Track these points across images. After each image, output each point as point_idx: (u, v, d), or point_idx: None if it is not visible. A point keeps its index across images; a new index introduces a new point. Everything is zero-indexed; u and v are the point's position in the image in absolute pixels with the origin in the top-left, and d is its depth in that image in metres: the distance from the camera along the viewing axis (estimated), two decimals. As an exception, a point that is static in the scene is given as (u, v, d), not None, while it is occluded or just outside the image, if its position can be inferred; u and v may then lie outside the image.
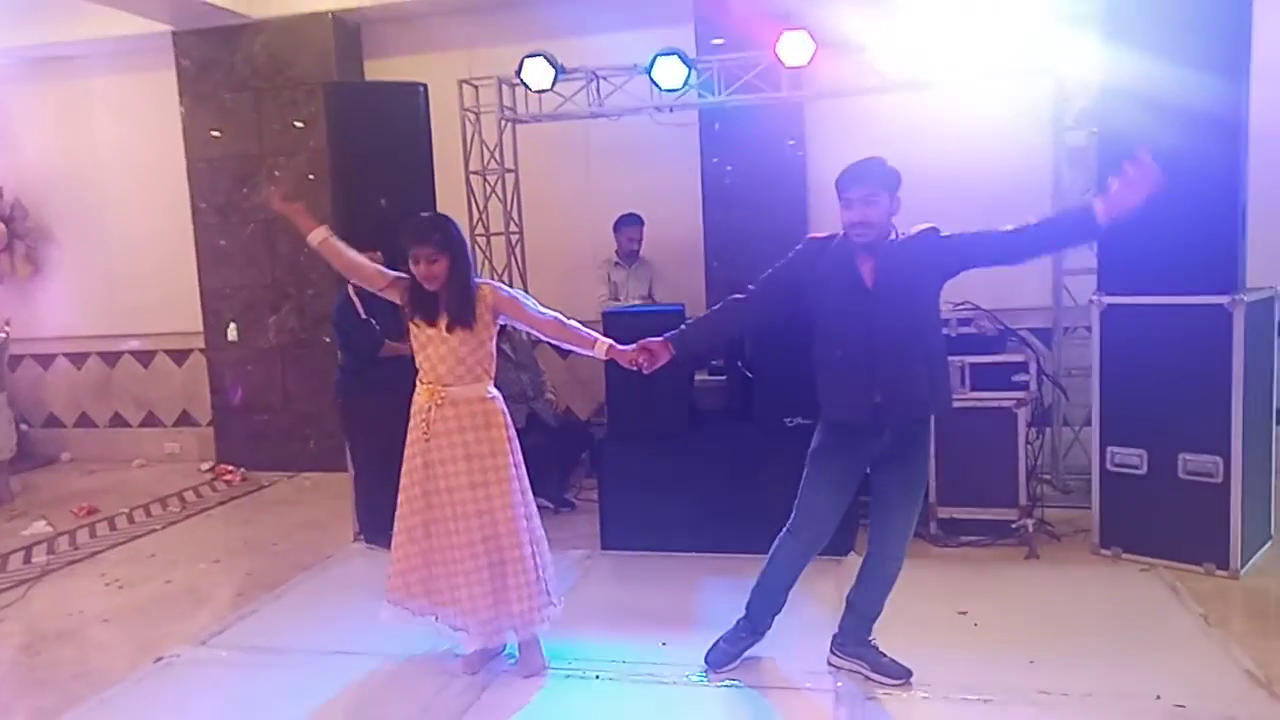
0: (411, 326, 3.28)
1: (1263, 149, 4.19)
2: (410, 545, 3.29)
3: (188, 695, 3.37)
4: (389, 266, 3.47)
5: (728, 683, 3.25)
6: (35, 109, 7.51)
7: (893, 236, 3.06)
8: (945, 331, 4.59)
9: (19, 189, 7.49)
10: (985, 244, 3.03)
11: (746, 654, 3.34)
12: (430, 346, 3.24)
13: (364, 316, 4.74)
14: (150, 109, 7.13)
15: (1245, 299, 3.88)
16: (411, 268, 3.21)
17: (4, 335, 6.44)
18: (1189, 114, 3.87)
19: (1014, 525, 4.44)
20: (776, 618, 3.33)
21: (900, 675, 3.17)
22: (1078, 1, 4.67)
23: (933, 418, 3.24)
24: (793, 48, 5.08)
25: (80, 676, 3.57)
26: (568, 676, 3.34)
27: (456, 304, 3.19)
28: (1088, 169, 4.94)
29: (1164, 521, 4.10)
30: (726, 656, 3.31)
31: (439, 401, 3.21)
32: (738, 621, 3.34)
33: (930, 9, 5.22)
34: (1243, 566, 3.98)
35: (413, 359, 3.34)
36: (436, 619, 3.31)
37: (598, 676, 3.32)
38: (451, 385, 3.22)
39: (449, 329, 3.20)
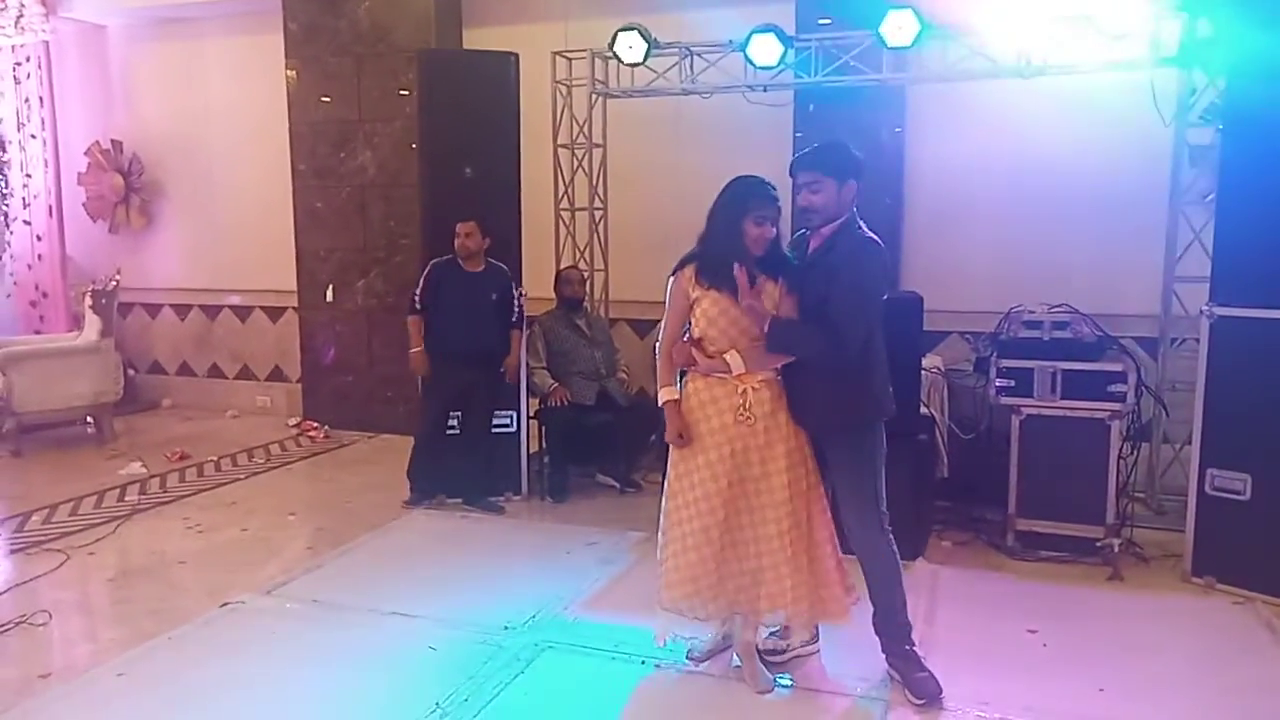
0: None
1: None
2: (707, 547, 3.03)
3: (247, 641, 3.47)
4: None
5: (777, 679, 3.16)
6: (154, 69, 7.85)
7: (843, 228, 2.97)
8: (1037, 334, 4.40)
9: (137, 145, 7.86)
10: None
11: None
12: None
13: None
14: (259, 71, 7.36)
15: (1377, 318, 3.54)
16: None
17: (115, 283, 6.77)
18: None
19: (1099, 544, 4.20)
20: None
21: (924, 695, 2.97)
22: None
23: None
24: (897, 28, 4.87)
25: (154, 614, 3.73)
26: (613, 659, 3.30)
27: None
28: (1211, 169, 4.60)
29: (1265, 552, 3.80)
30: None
31: (755, 385, 3.01)
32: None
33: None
34: (1353, 609, 3.67)
35: None
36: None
37: (644, 662, 3.28)
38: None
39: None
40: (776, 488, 2.99)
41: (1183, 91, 4.78)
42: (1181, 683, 3.18)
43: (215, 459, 6.19)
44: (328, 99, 6.98)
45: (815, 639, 3.31)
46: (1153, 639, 3.52)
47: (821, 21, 5.63)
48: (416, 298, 5.01)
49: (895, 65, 5.17)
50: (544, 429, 5.43)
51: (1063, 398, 4.21)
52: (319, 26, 6.95)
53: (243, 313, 7.85)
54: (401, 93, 6.72)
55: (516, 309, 5.07)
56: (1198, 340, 4.10)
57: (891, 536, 3.09)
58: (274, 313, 7.70)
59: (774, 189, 2.97)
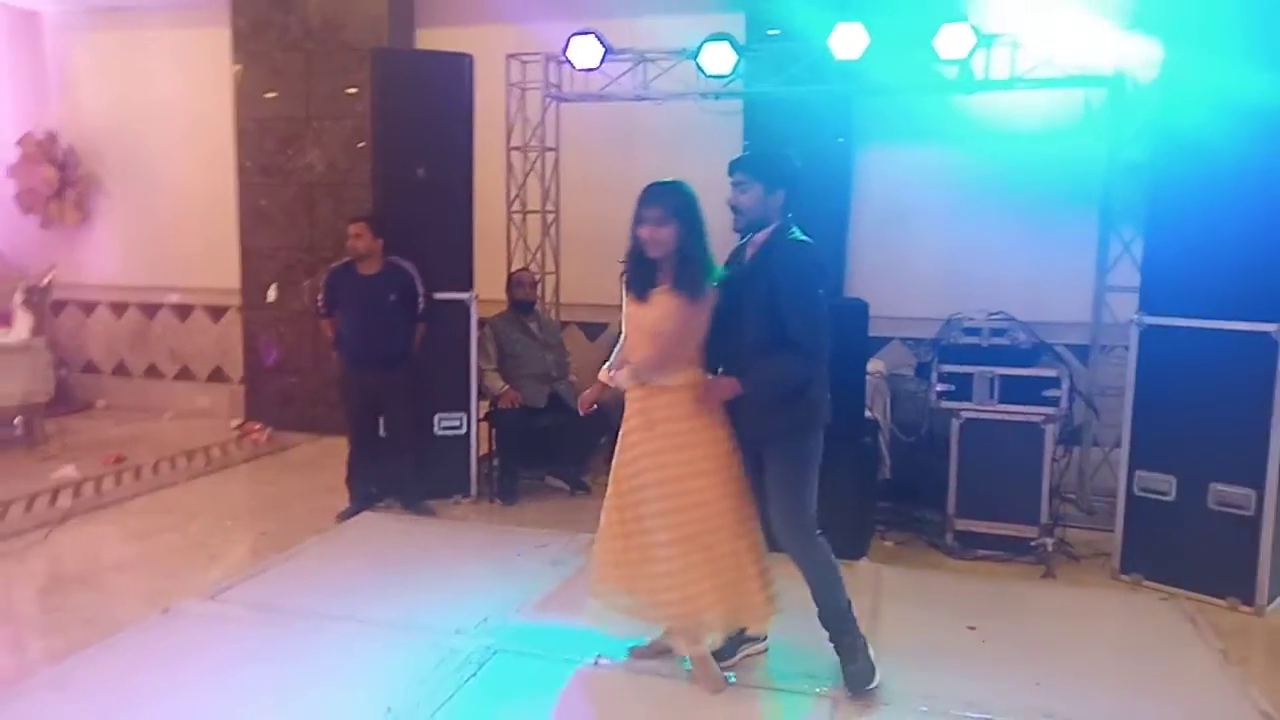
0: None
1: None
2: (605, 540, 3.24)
3: (189, 647, 3.41)
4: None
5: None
6: (92, 59, 7.63)
7: (775, 234, 3.06)
8: (976, 341, 4.54)
9: (73, 137, 7.63)
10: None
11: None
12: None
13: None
14: (203, 65, 7.21)
15: (1293, 328, 3.74)
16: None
17: (49, 280, 6.56)
18: (1256, 130, 3.73)
19: (1033, 543, 4.35)
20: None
21: (853, 688, 3.08)
22: (1141, 8, 4.52)
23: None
24: (845, 40, 4.99)
25: (90, 622, 3.63)
26: (565, 662, 3.32)
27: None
28: (1141, 183, 4.80)
29: (1189, 551, 3.99)
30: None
31: (654, 393, 3.09)
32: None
33: (989, 9, 5.10)
34: (1269, 603, 3.86)
35: None
36: None
37: (596, 663, 3.30)
38: None
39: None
40: (672, 494, 3.03)
41: (1116, 109, 4.98)
42: (1113, 675, 3.32)
43: (153, 462, 6.04)
44: (273, 94, 6.87)
45: (762, 638, 3.37)
46: (1085, 634, 3.68)
47: (770, 32, 5.73)
48: (320, 305, 5.00)
49: (843, 77, 5.29)
50: (494, 431, 5.42)
51: (1000, 402, 4.36)
52: (268, 22, 6.85)
53: (183, 311, 7.67)
54: (349, 91, 6.66)
55: (420, 304, 4.96)
56: (1127, 348, 4.28)
57: (822, 539, 3.14)
58: (216, 311, 7.54)
59: (668, 187, 3.04)
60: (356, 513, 4.97)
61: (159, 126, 7.49)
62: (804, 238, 3.08)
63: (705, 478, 3.06)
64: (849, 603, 3.18)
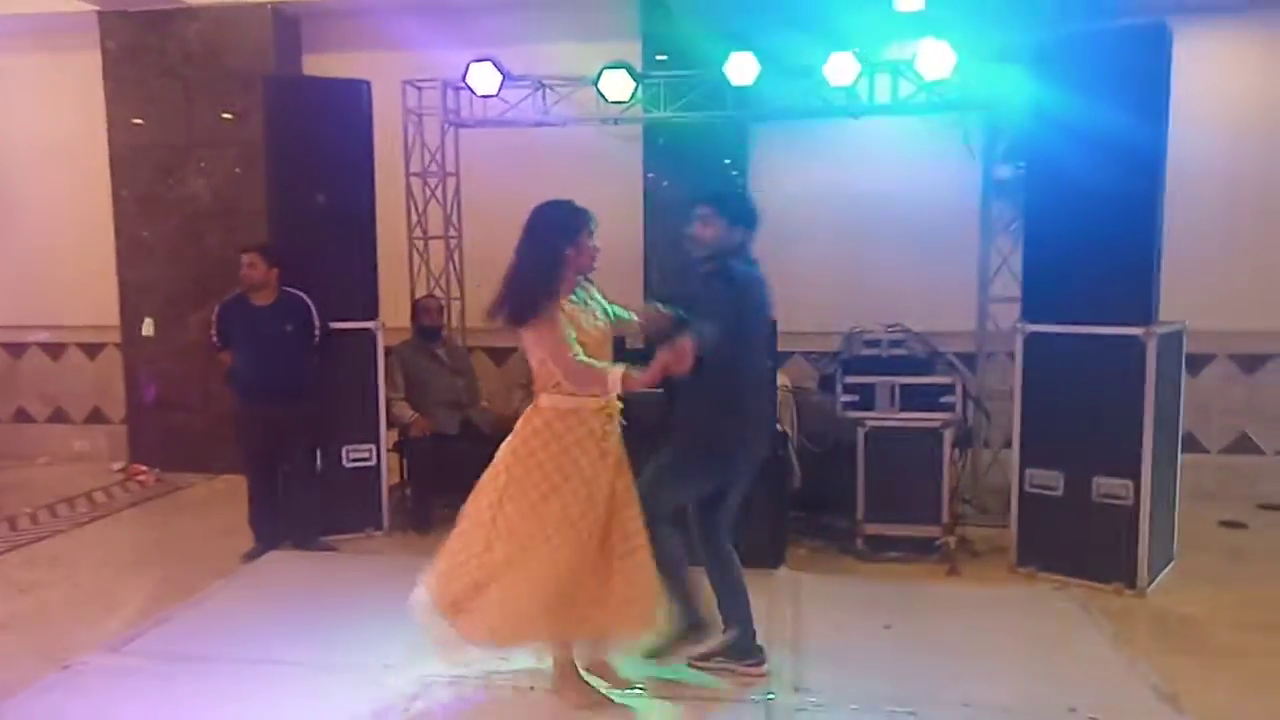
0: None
1: (1177, 188, 4.42)
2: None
3: (101, 705, 3.21)
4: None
5: (650, 693, 3.25)
6: (-55, 84, 7.13)
7: (732, 263, 3.24)
8: (876, 352, 4.79)
9: (-77, 167, 7.10)
10: None
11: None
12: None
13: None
14: (71, 91, 6.85)
15: (1158, 331, 4.09)
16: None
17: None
18: (1111, 152, 4.08)
19: (937, 542, 4.59)
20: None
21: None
22: (1009, 40, 4.88)
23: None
24: (739, 68, 5.19)
25: (-22, 684, 3.38)
26: (515, 688, 3.29)
27: None
28: (1015, 201, 5.17)
29: (1077, 542, 4.29)
30: None
31: (611, 413, 3.10)
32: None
33: (871, 37, 5.39)
34: (1149, 585, 4.19)
35: None
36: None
37: (532, 688, 3.29)
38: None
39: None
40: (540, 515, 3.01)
41: (988, 133, 5.35)
42: (1020, 662, 3.55)
43: (30, 511, 5.65)
44: (139, 121, 6.59)
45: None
46: (991, 626, 3.91)
47: (659, 58, 5.89)
48: (214, 339, 4.81)
49: (739, 103, 5.48)
50: (405, 461, 5.33)
51: (901, 410, 4.59)
52: (141, 46, 6.57)
53: (54, 350, 7.21)
54: (225, 116, 6.44)
55: (317, 333, 4.82)
56: (1010, 354, 4.59)
57: (675, 537, 3.23)
58: (92, 349, 7.12)
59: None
60: (262, 553, 4.78)
61: (22, 156, 7.06)
62: (746, 268, 3.26)
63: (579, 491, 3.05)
64: (689, 590, 3.27)
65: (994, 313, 5.43)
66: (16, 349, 7.26)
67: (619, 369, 2.96)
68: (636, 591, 3.07)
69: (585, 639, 3.18)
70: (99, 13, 6.53)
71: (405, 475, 5.37)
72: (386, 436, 5.21)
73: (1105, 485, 4.20)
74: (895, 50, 5.30)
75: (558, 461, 3.00)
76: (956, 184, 5.62)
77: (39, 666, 3.49)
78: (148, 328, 6.72)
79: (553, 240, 3.04)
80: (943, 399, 4.56)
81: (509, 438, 3.15)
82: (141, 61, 6.58)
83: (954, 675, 3.40)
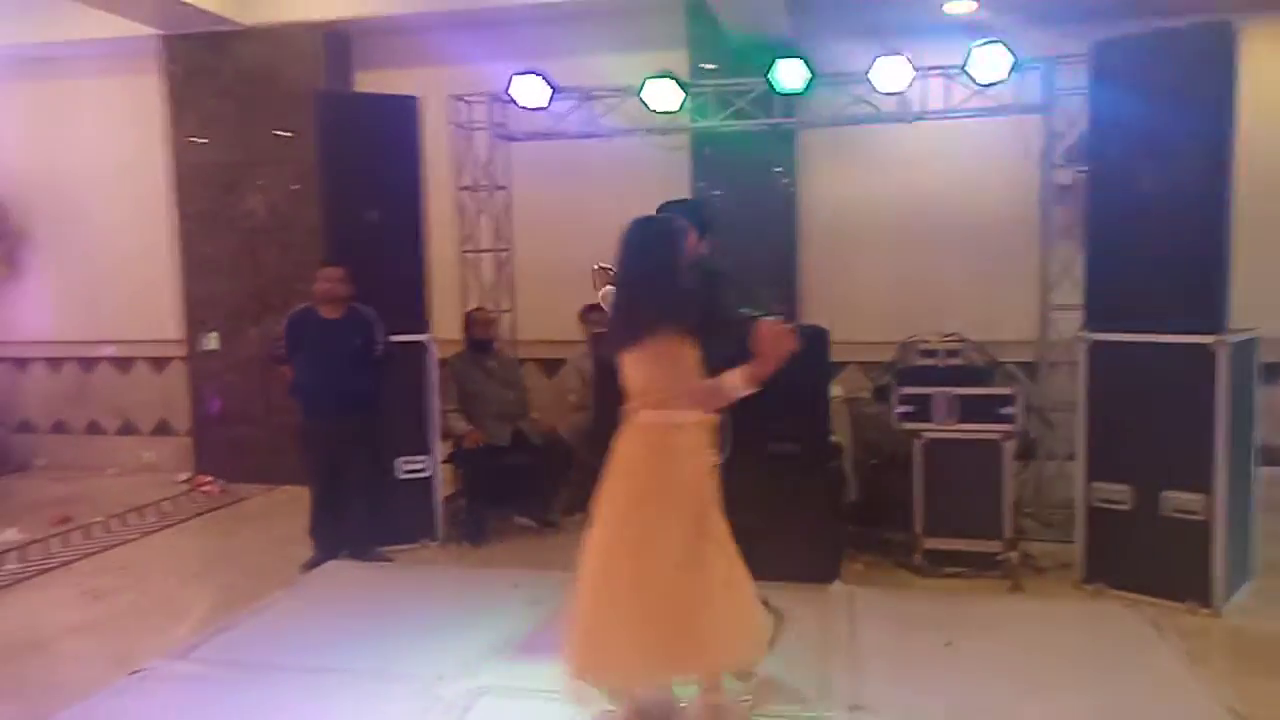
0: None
1: (1246, 188, 4.24)
2: None
3: (166, 709, 3.29)
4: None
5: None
6: (19, 108, 7.44)
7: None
8: (933, 362, 4.68)
9: (1, 190, 7.39)
10: None
11: None
12: None
13: None
14: (135, 113, 7.08)
15: (1229, 340, 3.93)
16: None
17: (-21, 338, 6.33)
18: (1177, 154, 3.95)
19: (998, 557, 4.47)
20: None
21: None
22: (1067, 41, 4.76)
23: None
24: (787, 74, 5.15)
25: (51, 689, 3.48)
26: (551, 700, 3.27)
27: None
28: (1076, 206, 5.02)
29: (1147, 558, 4.14)
30: None
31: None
32: None
33: (924, 43, 5.31)
34: (1224, 604, 4.02)
35: None
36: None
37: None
38: None
39: None
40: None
41: (1047, 136, 5.22)
42: (1088, 682, 3.41)
43: (102, 520, 5.82)
44: (203, 140, 6.78)
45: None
46: (1057, 644, 3.77)
47: (705, 66, 5.88)
48: (281, 350, 4.89)
49: (786, 110, 5.44)
50: (459, 472, 5.37)
51: (959, 421, 4.48)
52: (201, 68, 6.77)
53: (123, 364, 7.45)
54: (277, 133, 6.59)
55: (379, 347, 4.87)
56: (1072, 363, 4.45)
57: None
58: (159, 363, 7.34)
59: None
60: (321, 563, 4.85)
61: (91, 176, 7.32)
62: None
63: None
64: None
65: (1056, 321, 5.28)
66: (88, 363, 7.52)
67: (734, 373, 2.82)
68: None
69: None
70: (162, 36, 6.74)
71: (458, 486, 5.41)
72: (440, 448, 5.27)
73: (1176, 499, 4.05)
74: (947, 54, 5.20)
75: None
76: (1014, 189, 5.50)
77: (109, 671, 3.59)
78: (212, 341, 6.90)
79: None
80: (1002, 410, 4.44)
81: (660, 463, 2.87)
82: (200, 82, 6.78)
83: (1019, 695, 3.29)
